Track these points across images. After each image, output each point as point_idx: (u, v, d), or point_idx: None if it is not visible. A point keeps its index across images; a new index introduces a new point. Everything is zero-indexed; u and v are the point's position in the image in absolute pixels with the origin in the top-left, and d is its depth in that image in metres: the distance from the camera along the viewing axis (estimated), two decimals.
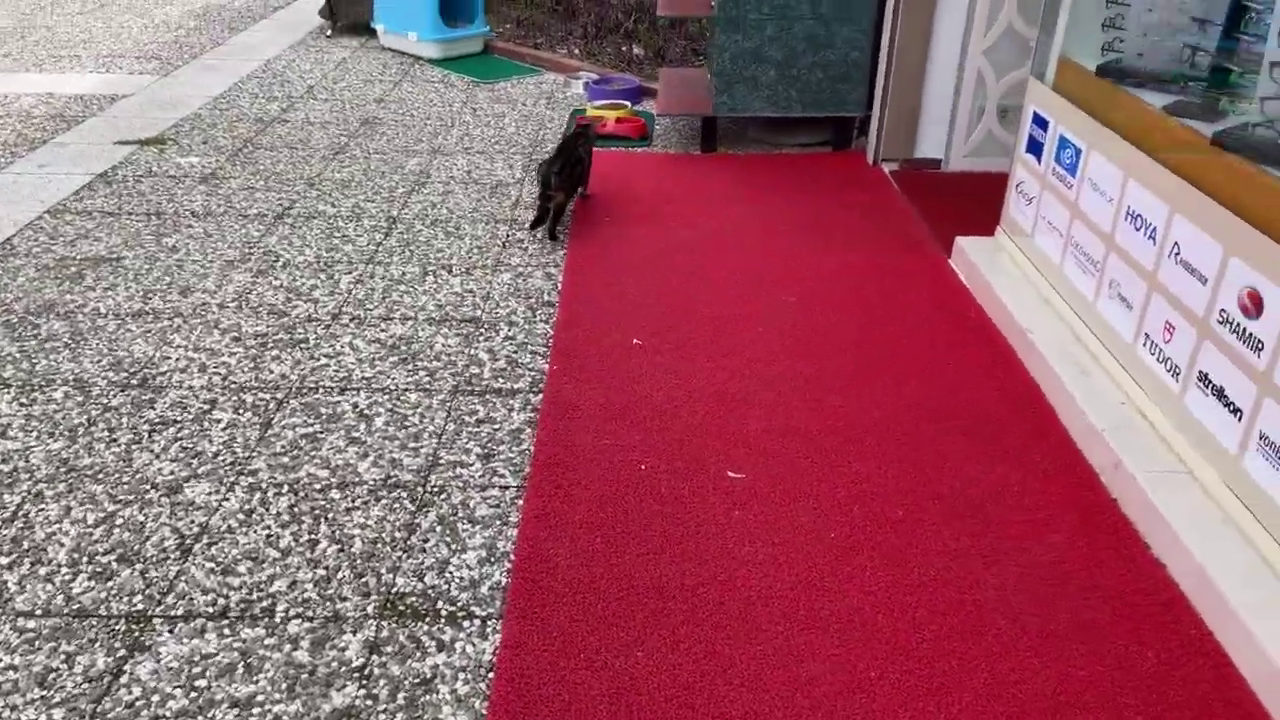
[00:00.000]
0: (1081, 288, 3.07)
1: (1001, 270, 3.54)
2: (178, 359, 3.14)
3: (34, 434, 2.75)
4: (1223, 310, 2.34)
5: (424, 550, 2.36)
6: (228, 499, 2.52)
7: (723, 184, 4.64)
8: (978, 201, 4.35)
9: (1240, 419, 2.26)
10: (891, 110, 4.77)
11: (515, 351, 3.22)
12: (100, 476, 2.59)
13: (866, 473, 2.62)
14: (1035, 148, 3.44)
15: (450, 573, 2.29)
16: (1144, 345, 2.69)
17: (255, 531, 2.41)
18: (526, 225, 4.16)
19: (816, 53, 4.82)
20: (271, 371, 3.08)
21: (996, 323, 3.36)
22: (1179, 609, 2.17)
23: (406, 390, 3.00)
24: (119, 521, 2.43)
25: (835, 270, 3.78)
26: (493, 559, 2.33)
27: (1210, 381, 2.38)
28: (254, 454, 2.69)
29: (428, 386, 3.02)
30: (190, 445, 2.72)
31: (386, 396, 2.96)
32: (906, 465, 2.65)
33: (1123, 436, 2.58)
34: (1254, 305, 2.22)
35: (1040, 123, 3.40)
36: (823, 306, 3.50)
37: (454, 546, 2.37)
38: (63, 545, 2.35)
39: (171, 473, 2.61)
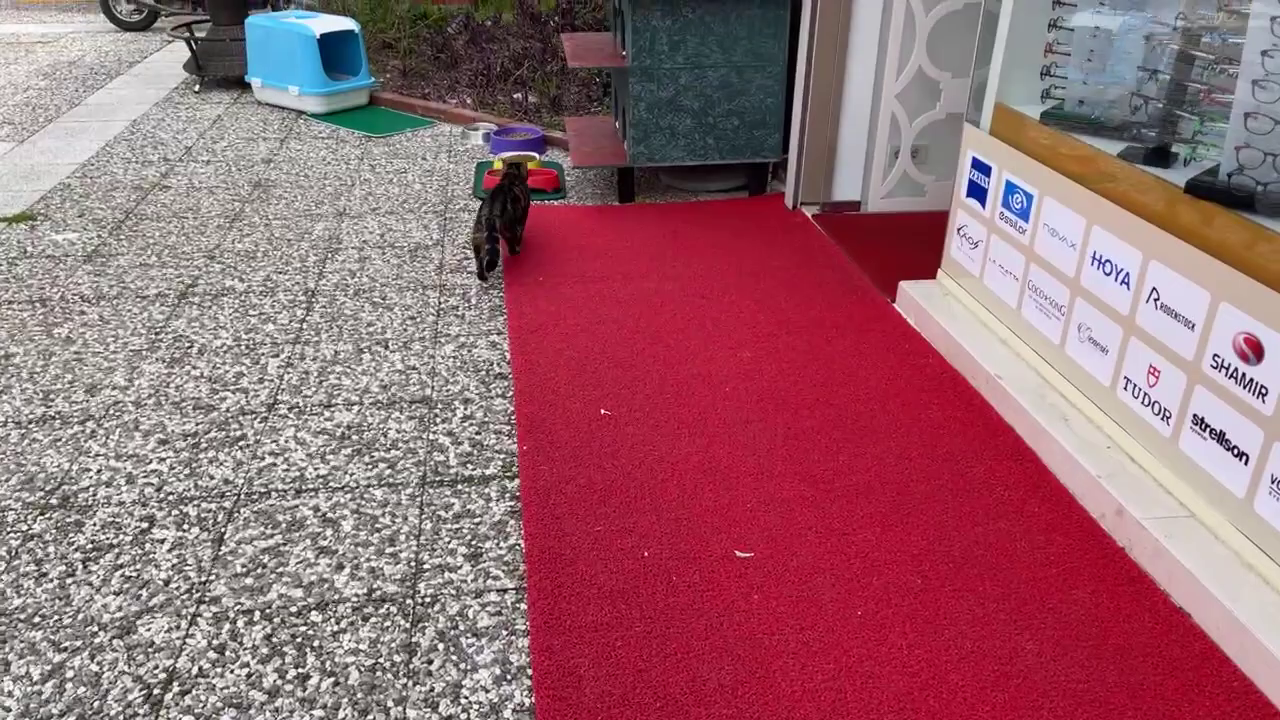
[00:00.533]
0: (1046, 331, 3.10)
1: (952, 314, 3.56)
2: (99, 470, 2.81)
3: None
4: (1216, 355, 2.37)
5: (430, 674, 2.14)
6: (192, 635, 2.23)
7: (649, 235, 4.55)
8: (905, 242, 4.41)
9: (1247, 463, 2.29)
10: (808, 154, 4.79)
11: (478, 432, 3.02)
12: (37, 620, 2.26)
13: (873, 540, 2.55)
14: (977, 192, 3.48)
15: (465, 698, 2.08)
16: (1125, 389, 2.72)
17: (233, 671, 2.13)
18: (474, 275, 4.09)
19: (732, 100, 4.80)
20: (212, 477, 2.79)
21: (958, 368, 3.36)
22: (1216, 661, 2.17)
23: (369, 486, 2.76)
24: (69, 674, 2.12)
25: (782, 321, 3.73)
26: (509, 676, 2.13)
27: (1207, 425, 2.41)
28: (211, 577, 2.41)
29: (391, 480, 2.79)
30: (135, 573, 2.41)
31: (349, 496, 2.72)
32: (909, 528, 2.59)
33: (1120, 483, 2.59)
34: (1253, 351, 2.26)
35: (981, 168, 3.44)
36: (781, 361, 3.43)
37: (463, 666, 2.16)
38: (8, 710, 2.02)
39: (119, 608, 2.30)
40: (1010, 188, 3.27)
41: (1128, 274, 2.69)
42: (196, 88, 7.07)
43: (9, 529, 2.56)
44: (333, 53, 6.51)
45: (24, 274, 4.07)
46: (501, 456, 2.90)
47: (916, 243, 4.46)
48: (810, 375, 3.34)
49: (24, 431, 2.99)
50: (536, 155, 5.44)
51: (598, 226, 4.67)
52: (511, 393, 3.24)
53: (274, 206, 4.85)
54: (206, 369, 3.36)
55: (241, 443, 2.95)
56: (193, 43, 7.13)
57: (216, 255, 4.29)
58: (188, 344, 3.53)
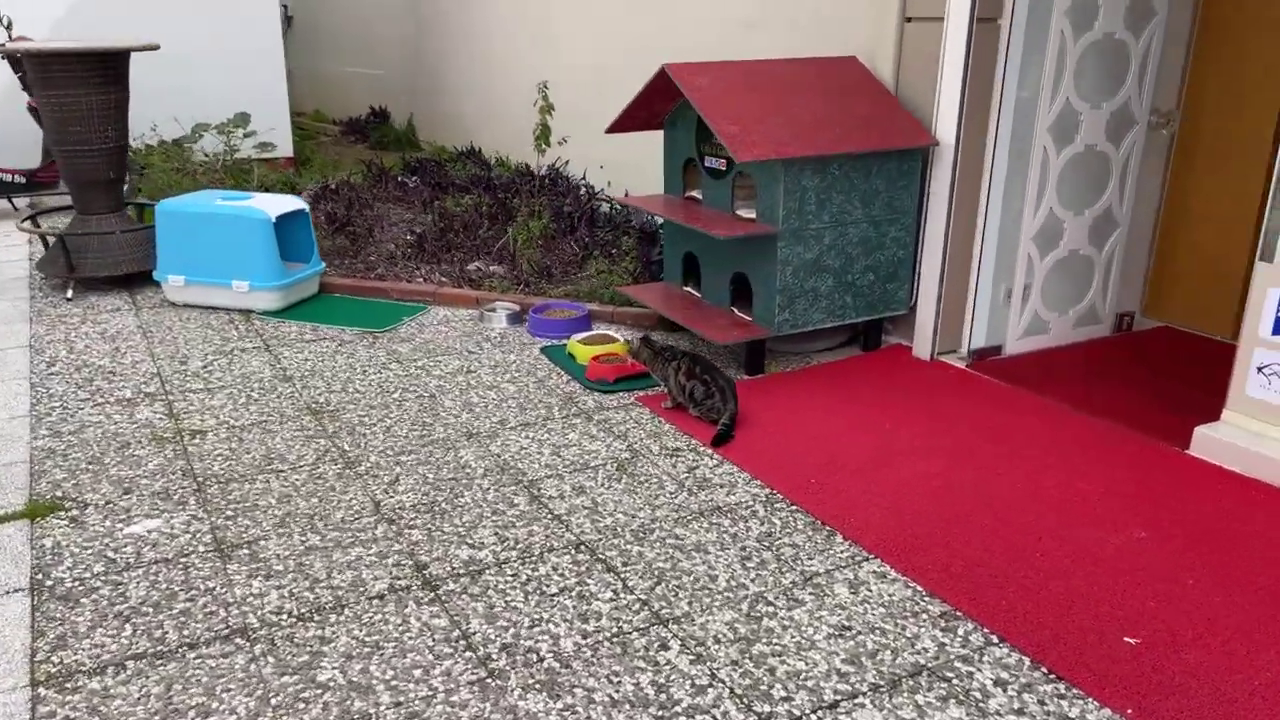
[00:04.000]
0: None
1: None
2: None
3: None
4: None
5: None
6: None
7: (823, 409, 4.07)
8: (1091, 382, 4.33)
9: None
10: (946, 302, 4.61)
11: None
12: None
13: None
14: None
15: None
16: None
17: None
18: (709, 446, 3.62)
19: (869, 255, 4.52)
20: None
21: None
22: None
23: None
24: None
25: (1087, 491, 3.44)
26: None
27: None
28: None
29: None
30: None
31: None
32: None
33: None
34: None
35: None
36: (1148, 545, 3.14)
37: None
38: None
39: None
40: None
41: None
42: (69, 293, 5.55)
43: None
44: (288, 237, 5.41)
45: (148, 599, 2.80)
46: None
47: (1101, 381, 4.40)
48: (1187, 557, 3.07)
49: None
50: (618, 336, 4.78)
51: (758, 408, 4.11)
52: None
53: (372, 438, 3.80)
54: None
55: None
56: (50, 238, 5.62)
57: (393, 517, 3.24)
58: (537, 661, 2.56)
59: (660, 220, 6.11)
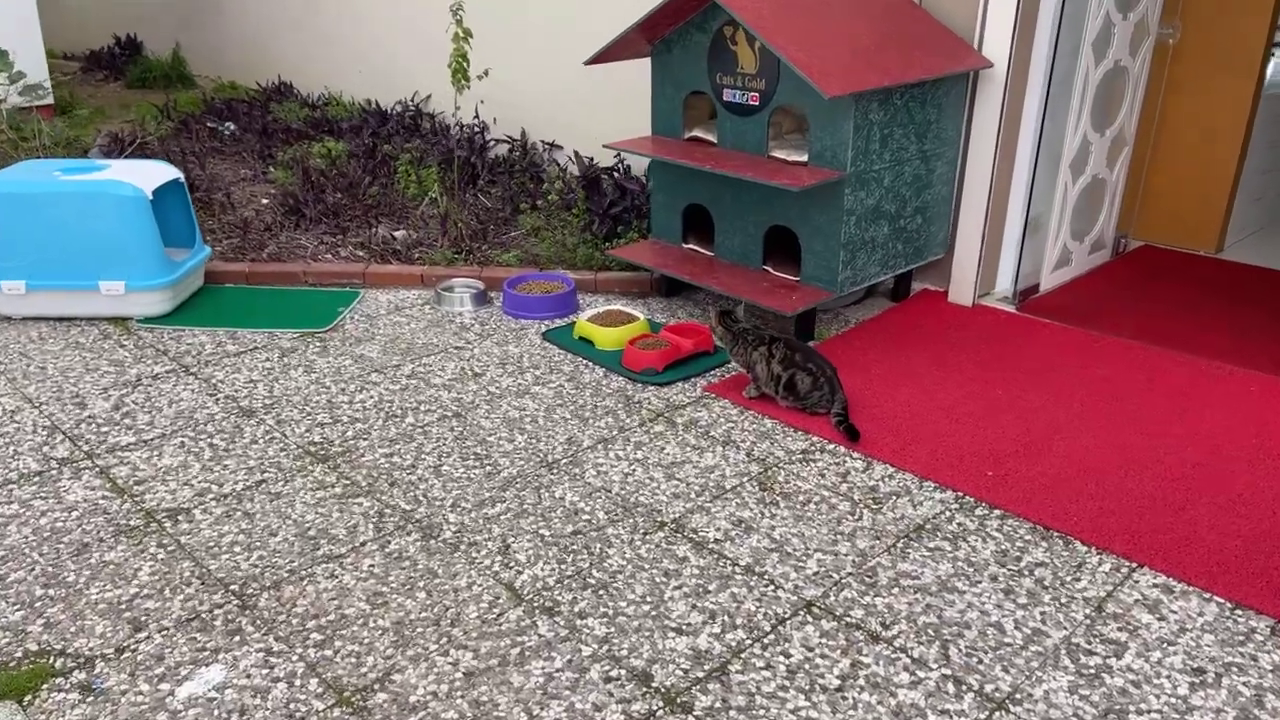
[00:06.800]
0: None
1: None
2: None
3: None
4: None
5: None
6: None
7: (916, 384, 3.59)
8: (1150, 315, 4.14)
9: None
10: (988, 243, 4.21)
11: None
12: None
13: None
14: None
15: None
16: None
17: None
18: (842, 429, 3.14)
19: (919, 196, 4.01)
20: None
21: None
22: None
23: None
24: None
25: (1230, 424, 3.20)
26: None
27: None
28: None
29: None
30: None
31: None
32: None
33: None
34: None
35: None
36: None
37: None
38: None
39: None
40: None
41: None
42: None
43: None
44: (167, 222, 4.13)
45: None
46: None
47: (1153, 310, 4.20)
48: None
49: None
50: (638, 315, 4.00)
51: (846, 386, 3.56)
52: None
53: (427, 488, 2.89)
54: None
55: None
56: None
57: (547, 604, 2.41)
58: None
59: (606, 163, 5.30)
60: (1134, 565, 2.59)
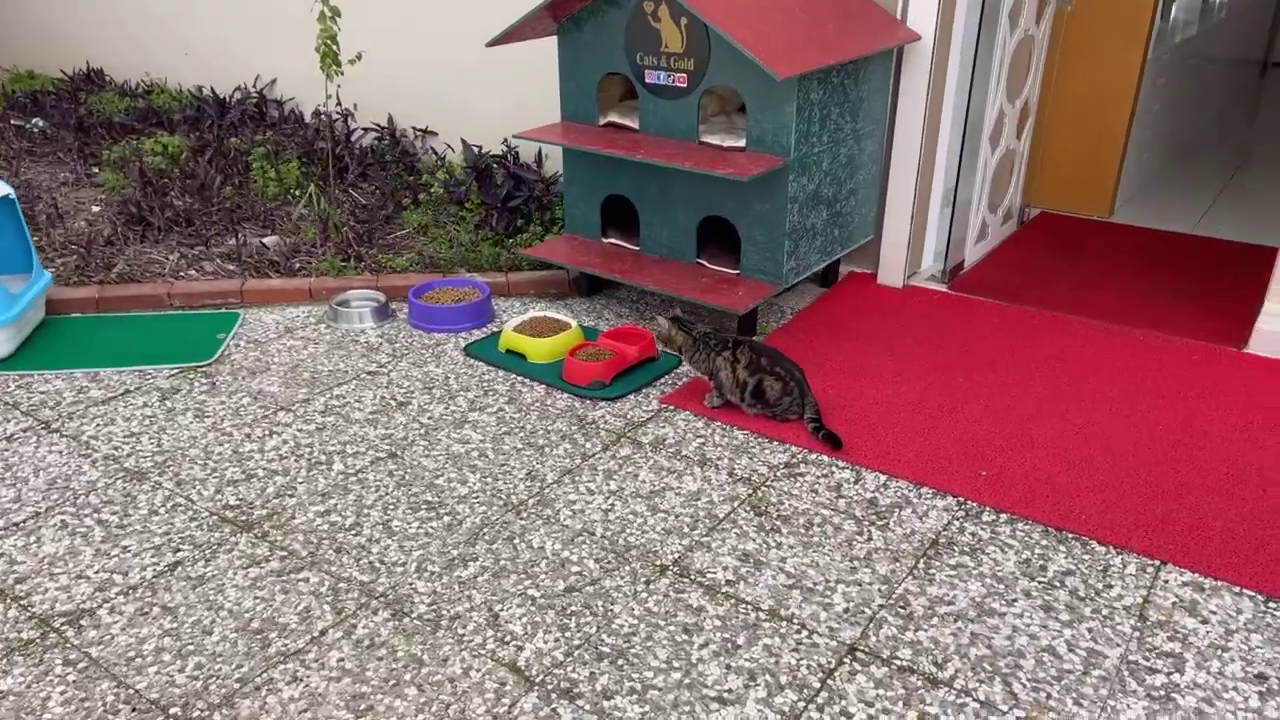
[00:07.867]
0: None
1: None
2: None
3: None
4: None
5: None
6: None
7: (876, 378, 3.42)
8: (1081, 287, 4.13)
9: None
10: (916, 221, 4.09)
11: None
12: None
13: None
14: None
15: None
16: None
17: None
18: (822, 438, 2.92)
19: (853, 177, 3.83)
20: None
21: None
22: None
23: None
24: None
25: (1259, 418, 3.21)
26: None
27: None
28: None
29: None
30: None
31: None
32: None
33: None
34: None
35: None
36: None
37: None
38: None
39: None
40: None
41: None
42: None
43: None
44: None
45: None
46: None
47: (1084, 281, 4.18)
48: None
49: None
50: (569, 321, 3.65)
51: None
52: None
53: (383, 552, 2.48)
54: None
55: None
56: None
57: (562, 686, 2.08)
58: None
59: (495, 151, 4.88)
60: (1158, 564, 2.49)
